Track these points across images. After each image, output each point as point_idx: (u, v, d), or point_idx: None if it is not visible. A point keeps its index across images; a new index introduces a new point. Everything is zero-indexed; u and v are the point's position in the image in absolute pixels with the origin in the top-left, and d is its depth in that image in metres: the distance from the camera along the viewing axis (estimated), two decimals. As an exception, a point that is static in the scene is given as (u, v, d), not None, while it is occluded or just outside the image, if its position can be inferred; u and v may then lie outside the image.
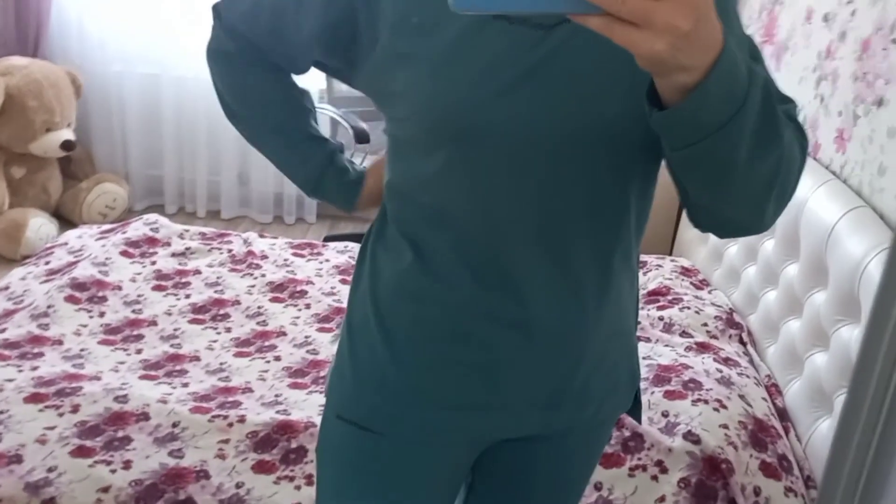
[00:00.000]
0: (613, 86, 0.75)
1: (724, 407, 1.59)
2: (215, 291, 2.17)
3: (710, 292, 2.19)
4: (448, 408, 0.89)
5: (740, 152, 0.62)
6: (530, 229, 0.81)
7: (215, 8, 0.95)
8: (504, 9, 0.52)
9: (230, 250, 2.41)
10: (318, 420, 1.62)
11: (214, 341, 1.95)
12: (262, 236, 2.57)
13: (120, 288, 2.11)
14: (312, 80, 3.40)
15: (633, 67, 0.69)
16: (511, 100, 0.75)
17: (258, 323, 2.06)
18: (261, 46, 0.93)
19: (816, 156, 1.86)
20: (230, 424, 1.58)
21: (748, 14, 2.37)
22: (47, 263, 2.19)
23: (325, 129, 3.34)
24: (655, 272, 2.31)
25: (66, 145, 3.15)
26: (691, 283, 2.25)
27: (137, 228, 2.43)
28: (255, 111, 1.01)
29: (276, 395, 1.73)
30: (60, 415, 1.57)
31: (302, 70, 0.96)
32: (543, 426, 0.92)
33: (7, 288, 2.04)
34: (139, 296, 2.10)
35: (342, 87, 3.19)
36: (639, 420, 1.05)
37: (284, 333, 2.01)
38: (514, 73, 0.75)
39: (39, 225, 3.04)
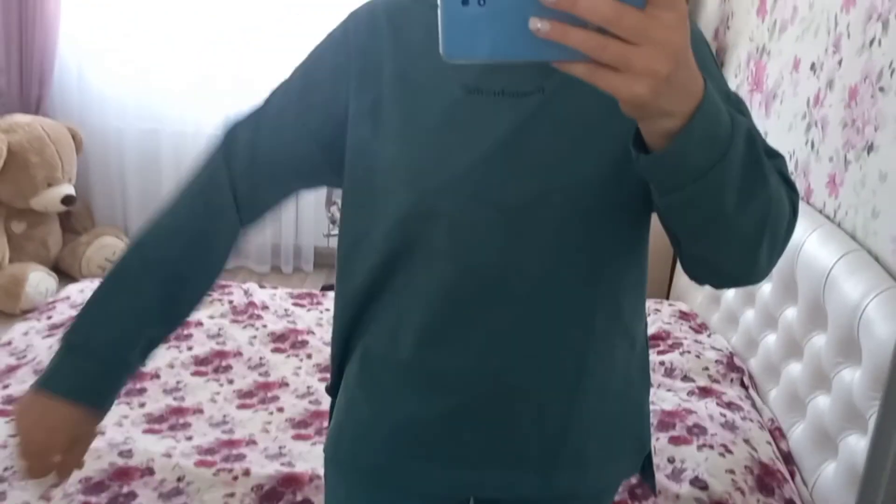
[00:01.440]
0: (590, 147, 0.78)
1: (730, 452, 1.60)
2: (217, 343, 2.17)
3: (709, 336, 2.20)
4: (441, 463, 0.89)
5: (728, 197, 0.63)
6: (508, 290, 0.82)
7: (226, 130, 0.93)
8: (494, 56, 0.53)
9: (231, 301, 2.42)
10: (322, 472, 1.61)
11: (217, 393, 1.95)
12: (262, 286, 2.59)
13: (122, 341, 2.11)
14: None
15: (607, 130, 0.75)
16: (491, 167, 0.79)
17: (260, 374, 2.06)
18: (253, 180, 0.90)
19: (809, 200, 1.89)
20: (235, 478, 1.57)
21: (735, 64, 2.44)
22: (49, 318, 2.20)
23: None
24: (654, 316, 2.32)
25: (67, 200, 3.18)
26: (690, 327, 2.27)
27: (139, 281, 2.44)
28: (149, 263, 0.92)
29: (280, 447, 1.72)
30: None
31: (280, 195, 0.93)
32: (540, 489, 0.91)
33: (10, 343, 2.04)
34: (141, 349, 2.09)
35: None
36: (653, 488, 1.03)
37: (287, 384, 2.01)
38: (494, 141, 0.78)
39: (39, 280, 3.04)
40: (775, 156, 0.75)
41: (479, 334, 0.84)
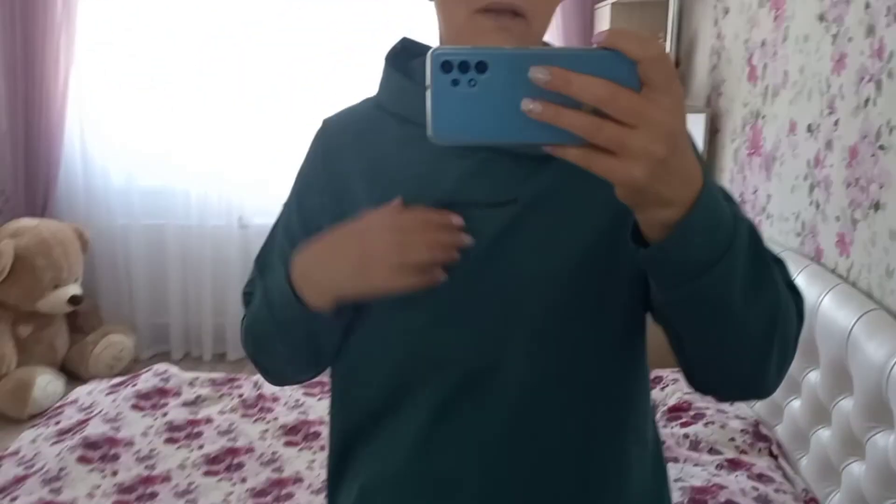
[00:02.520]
0: (567, 255, 0.75)
1: (766, 527, 1.53)
2: (228, 440, 2.12)
3: (731, 404, 2.15)
4: None
5: (735, 293, 0.60)
6: (493, 398, 0.78)
7: (245, 290, 0.94)
8: (484, 138, 0.52)
9: (241, 395, 2.38)
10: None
11: (230, 493, 1.89)
12: (272, 378, 2.55)
13: (132, 443, 2.06)
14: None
15: (583, 237, 0.75)
16: (469, 282, 0.76)
17: (274, 470, 2.00)
18: None
19: (820, 261, 1.88)
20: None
21: (731, 129, 2.47)
22: (57, 423, 2.16)
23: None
24: (673, 387, 2.27)
25: (74, 300, 3.17)
26: (711, 395, 2.22)
27: (147, 380, 2.41)
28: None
29: (298, 549, 1.66)
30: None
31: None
32: None
33: (18, 453, 2.00)
34: (152, 450, 2.05)
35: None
36: None
37: (301, 479, 1.96)
38: (468, 256, 0.75)
39: (47, 382, 3.01)
40: (777, 261, 0.72)
41: (472, 445, 0.79)
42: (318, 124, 0.90)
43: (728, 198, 0.70)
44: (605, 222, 0.75)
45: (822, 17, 1.88)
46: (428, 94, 0.51)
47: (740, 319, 0.62)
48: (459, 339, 0.78)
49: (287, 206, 0.91)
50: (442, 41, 0.83)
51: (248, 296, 0.94)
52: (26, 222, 3.16)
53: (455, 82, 0.50)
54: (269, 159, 3.47)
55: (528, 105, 0.50)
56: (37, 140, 3.32)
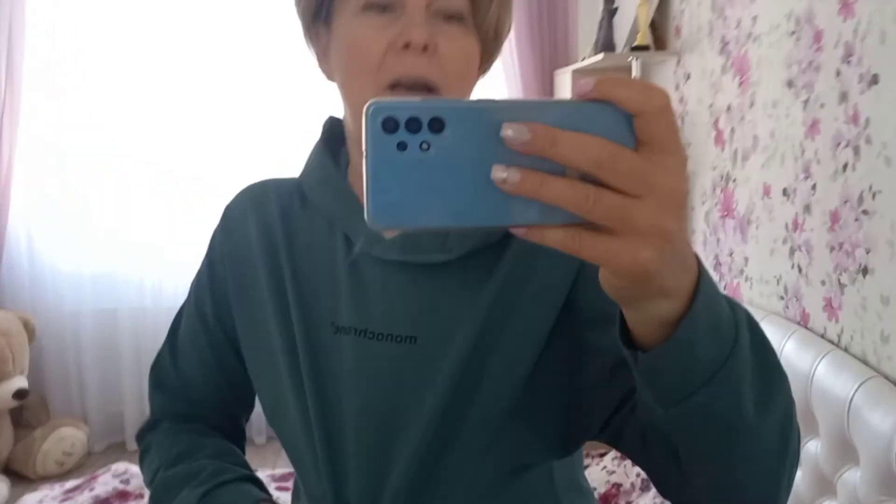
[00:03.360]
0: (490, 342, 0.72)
1: None
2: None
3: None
4: None
5: (746, 397, 0.50)
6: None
7: (151, 381, 0.97)
8: (438, 222, 0.39)
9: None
10: None
11: None
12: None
13: (91, 559, 1.89)
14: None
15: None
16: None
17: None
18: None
19: (808, 325, 1.86)
20: None
21: (701, 192, 2.47)
22: (6, 540, 1.97)
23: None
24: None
25: (19, 394, 2.97)
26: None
27: (106, 482, 2.24)
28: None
29: None
30: None
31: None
32: None
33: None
34: (114, 566, 1.88)
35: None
36: None
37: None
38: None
39: (-10, 487, 2.78)
40: None
41: None
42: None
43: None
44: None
45: (790, 84, 1.90)
46: (364, 162, 0.38)
47: (753, 430, 0.51)
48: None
49: (185, 306, 0.93)
50: (347, 130, 0.79)
51: (154, 425, 0.94)
52: (-33, 314, 2.96)
53: (401, 146, 0.38)
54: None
55: (499, 173, 0.38)
56: (-23, 225, 3.15)
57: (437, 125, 0.38)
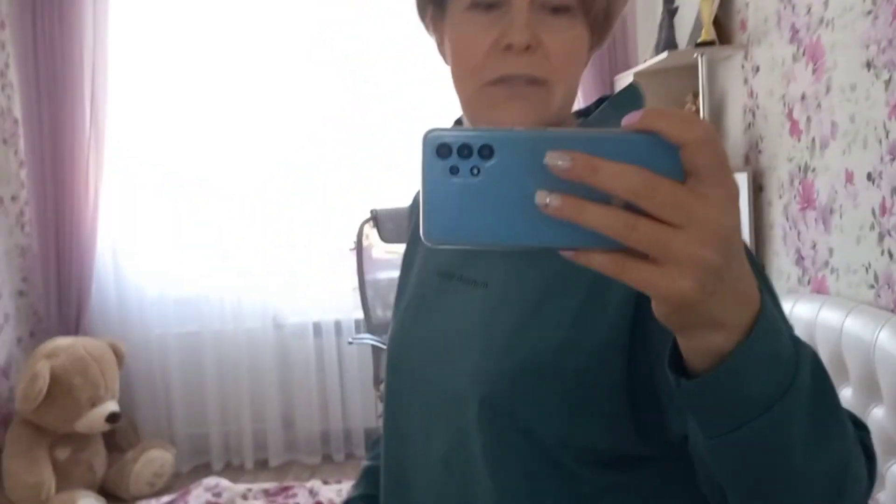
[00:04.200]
0: (523, 345, 0.71)
1: None
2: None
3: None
4: None
5: (796, 441, 0.48)
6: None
7: None
8: (486, 240, 0.42)
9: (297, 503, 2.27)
10: None
11: None
12: (325, 483, 2.43)
13: (189, 570, 1.94)
14: (347, 310, 3.42)
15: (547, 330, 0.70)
16: (437, 354, 0.78)
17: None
18: None
19: (902, 312, 1.78)
20: None
21: (777, 185, 2.42)
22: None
23: (365, 357, 3.32)
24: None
25: (112, 418, 3.09)
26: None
27: (199, 496, 2.30)
28: None
29: None
30: None
31: None
32: None
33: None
34: (211, 576, 1.92)
35: (378, 314, 3.20)
36: None
37: None
38: (438, 328, 0.79)
39: (88, 507, 2.89)
40: (859, 426, 0.60)
41: None
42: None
43: (783, 318, 0.58)
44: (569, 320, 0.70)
45: (869, 65, 1.85)
46: (421, 186, 0.42)
47: (801, 476, 0.50)
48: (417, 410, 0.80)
49: None
50: (463, 121, 0.82)
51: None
52: (61, 341, 3.11)
53: (454, 170, 0.41)
54: (301, 259, 3.45)
55: (543, 199, 0.40)
56: (68, 259, 3.31)
57: (486, 152, 0.41)
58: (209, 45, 3.37)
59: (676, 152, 0.40)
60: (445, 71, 0.77)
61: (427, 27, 0.80)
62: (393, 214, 3.24)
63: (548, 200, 0.40)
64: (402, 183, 3.44)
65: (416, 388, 0.79)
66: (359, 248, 3.14)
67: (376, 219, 3.15)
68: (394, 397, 0.84)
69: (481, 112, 0.72)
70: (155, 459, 3.22)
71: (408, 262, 0.92)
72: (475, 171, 0.41)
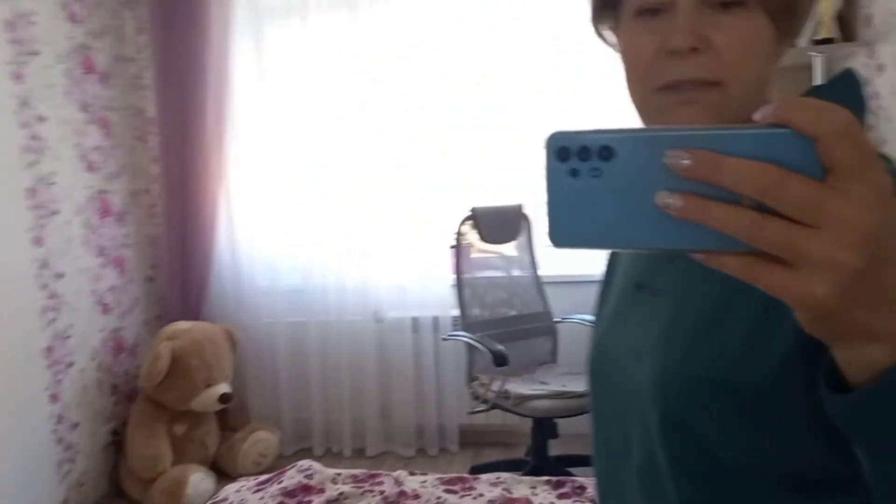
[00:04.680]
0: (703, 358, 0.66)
1: None
2: (371, 540, 2.09)
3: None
4: None
5: None
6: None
7: None
8: (609, 243, 0.42)
9: (382, 492, 2.36)
10: None
11: None
12: (411, 474, 2.51)
13: (278, 543, 2.07)
14: (444, 307, 3.51)
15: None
16: (629, 360, 0.76)
17: (418, 572, 1.94)
18: None
19: None
20: None
21: None
22: (209, 522, 2.21)
23: (461, 354, 3.38)
24: None
25: (224, 398, 3.31)
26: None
27: (292, 476, 2.44)
28: None
29: None
30: None
31: None
32: None
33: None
34: (297, 550, 2.05)
35: (475, 312, 3.25)
36: None
37: (446, 583, 1.88)
38: (635, 337, 0.76)
39: (199, 480, 3.12)
40: None
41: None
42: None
43: None
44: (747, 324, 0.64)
45: None
46: (545, 188, 0.42)
47: None
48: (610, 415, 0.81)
49: None
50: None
51: None
52: (182, 325, 3.36)
53: (574, 172, 0.41)
54: (403, 256, 3.57)
55: (664, 199, 0.38)
56: (192, 249, 3.58)
57: (606, 153, 0.40)
58: (329, 46, 3.53)
59: (814, 147, 0.37)
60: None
61: (602, 37, 0.77)
62: (494, 213, 3.29)
63: (669, 201, 0.38)
64: (507, 181, 3.49)
65: (613, 399, 0.78)
66: (458, 246, 3.21)
67: (475, 217, 3.21)
68: (598, 407, 0.83)
69: (653, 119, 0.69)
70: (261, 441, 3.43)
71: (610, 270, 0.90)
72: (596, 173, 0.40)
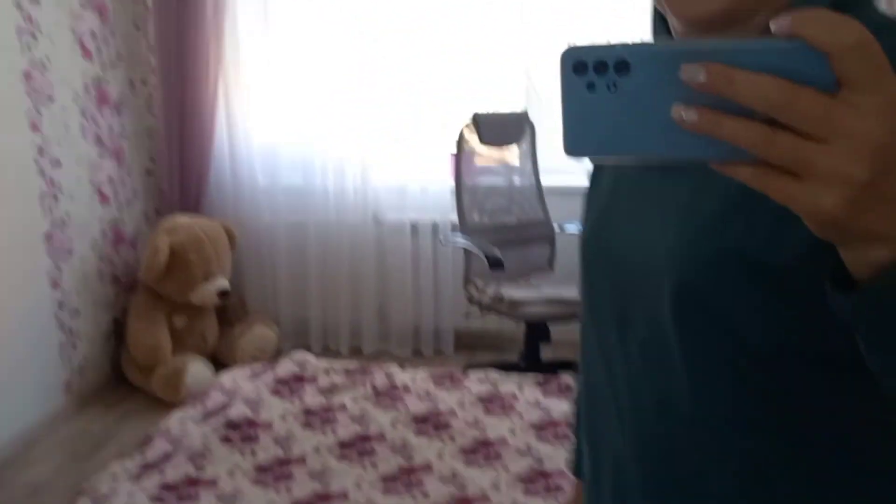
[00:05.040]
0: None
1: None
2: (360, 426, 2.15)
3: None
4: None
5: None
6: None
7: None
8: (625, 153, 0.43)
9: (373, 384, 2.42)
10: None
11: (362, 478, 1.91)
12: (402, 368, 2.57)
13: (271, 426, 2.14)
14: (444, 212, 3.51)
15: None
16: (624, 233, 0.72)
17: (404, 458, 2.01)
18: None
19: None
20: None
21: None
22: (204, 406, 2.27)
23: (459, 259, 3.40)
24: None
25: (223, 294, 3.35)
26: None
27: (285, 367, 2.49)
28: None
29: (426, 536, 1.65)
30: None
31: None
32: None
33: (167, 430, 2.12)
34: (288, 433, 2.12)
35: (474, 218, 3.25)
36: None
37: (430, 468, 1.95)
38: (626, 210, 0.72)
39: (198, 371, 3.20)
40: None
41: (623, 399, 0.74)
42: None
43: None
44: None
45: None
46: (560, 101, 0.42)
47: None
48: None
49: None
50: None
51: None
52: (181, 220, 3.37)
53: (591, 86, 0.41)
54: (404, 157, 3.54)
55: (679, 112, 0.39)
56: (190, 142, 3.55)
57: (622, 67, 0.41)
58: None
59: (827, 60, 0.37)
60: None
61: None
62: (495, 119, 3.25)
63: (683, 114, 0.39)
64: (510, 88, 3.42)
65: (613, 272, 0.74)
66: (459, 151, 3.18)
67: (478, 122, 3.17)
68: (589, 286, 0.79)
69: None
70: (259, 335, 3.50)
71: (596, 175, 0.86)
72: (612, 87, 0.41)
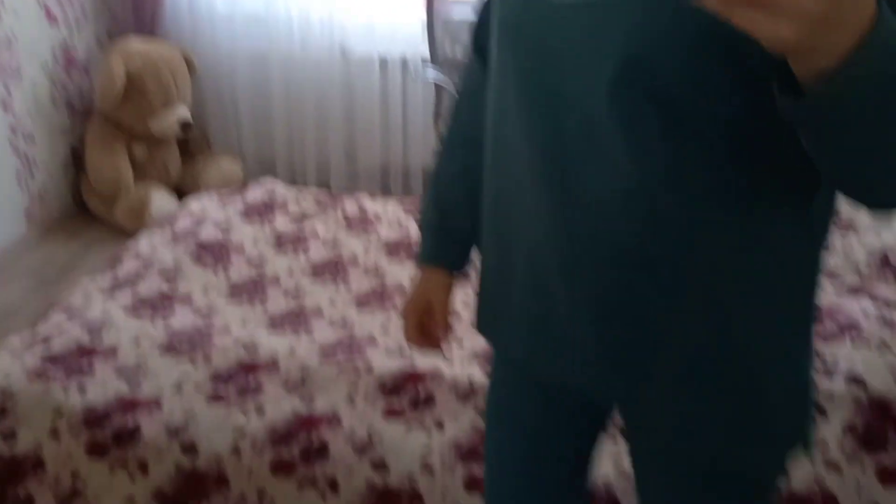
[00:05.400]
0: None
1: (888, 348, 1.45)
2: (333, 251, 2.17)
3: (857, 235, 2.01)
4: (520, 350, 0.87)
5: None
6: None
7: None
8: None
9: (344, 213, 2.41)
10: (443, 367, 1.58)
11: (335, 298, 1.95)
12: (371, 198, 2.56)
13: (242, 250, 2.14)
14: (415, 47, 3.38)
15: None
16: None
17: (377, 280, 2.04)
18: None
19: None
20: (357, 373, 1.57)
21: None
22: (172, 229, 2.25)
23: (429, 95, 3.32)
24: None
25: (185, 126, 3.24)
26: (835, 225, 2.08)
27: (255, 193, 2.47)
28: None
29: (400, 346, 1.70)
30: (195, 366, 1.60)
31: None
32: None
33: (136, 251, 2.11)
34: (261, 256, 2.12)
35: (446, 53, 3.15)
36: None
37: (405, 290, 1.99)
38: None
39: (163, 200, 3.15)
40: None
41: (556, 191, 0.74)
42: None
43: None
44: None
45: None
46: None
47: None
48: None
49: None
50: None
51: None
52: (136, 45, 3.19)
53: None
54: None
55: None
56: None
57: None
58: None
59: None
60: None
61: None
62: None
63: None
64: None
65: (538, 57, 0.71)
66: (430, -23, 3.02)
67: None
68: (503, 74, 0.76)
69: None
70: (224, 168, 3.43)
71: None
72: None
